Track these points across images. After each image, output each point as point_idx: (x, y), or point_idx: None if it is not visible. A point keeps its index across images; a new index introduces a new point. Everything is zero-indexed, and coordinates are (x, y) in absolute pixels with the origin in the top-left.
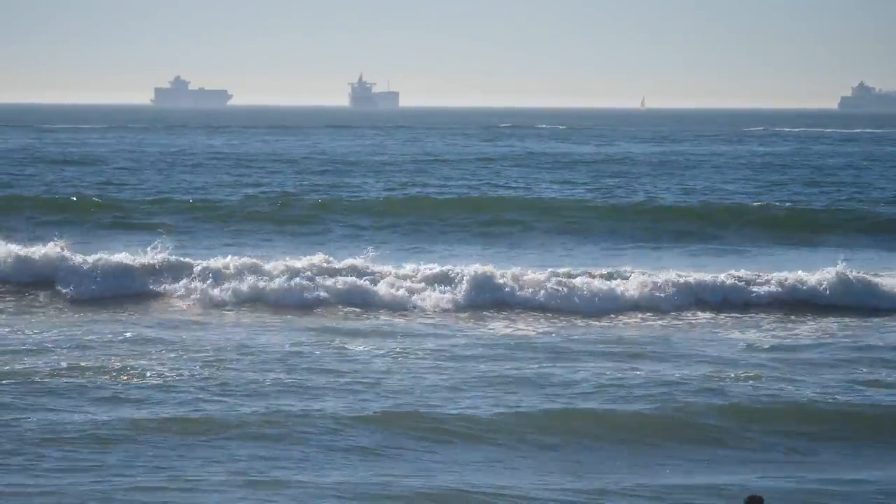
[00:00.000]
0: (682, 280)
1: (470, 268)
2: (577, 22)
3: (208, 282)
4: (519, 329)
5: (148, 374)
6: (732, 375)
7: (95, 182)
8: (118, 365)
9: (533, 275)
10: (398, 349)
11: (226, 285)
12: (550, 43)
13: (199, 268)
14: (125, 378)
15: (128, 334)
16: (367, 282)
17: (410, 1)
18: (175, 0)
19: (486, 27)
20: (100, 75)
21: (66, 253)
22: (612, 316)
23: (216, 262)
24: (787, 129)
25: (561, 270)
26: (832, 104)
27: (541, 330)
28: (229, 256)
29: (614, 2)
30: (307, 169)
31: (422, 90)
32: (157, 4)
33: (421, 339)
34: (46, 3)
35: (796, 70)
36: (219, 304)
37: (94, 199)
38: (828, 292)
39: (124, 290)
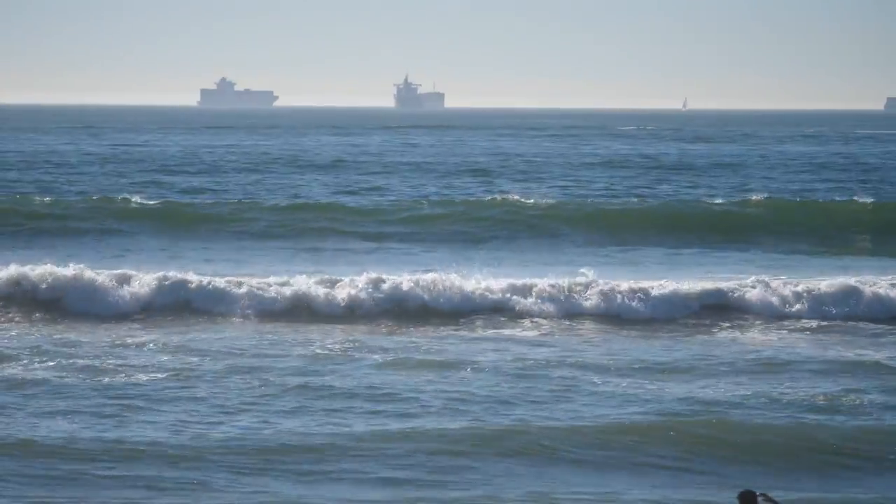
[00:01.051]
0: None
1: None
2: (618, 23)
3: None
4: None
5: None
6: None
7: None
8: None
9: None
10: None
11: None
12: (592, 44)
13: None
14: None
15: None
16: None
17: (457, 2)
18: (222, 2)
19: (529, 30)
20: (146, 77)
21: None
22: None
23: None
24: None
25: None
26: (878, 105)
27: None
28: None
29: (654, 3)
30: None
31: (467, 91)
32: (204, 6)
33: None
34: (91, 6)
35: (840, 71)
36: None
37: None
38: None
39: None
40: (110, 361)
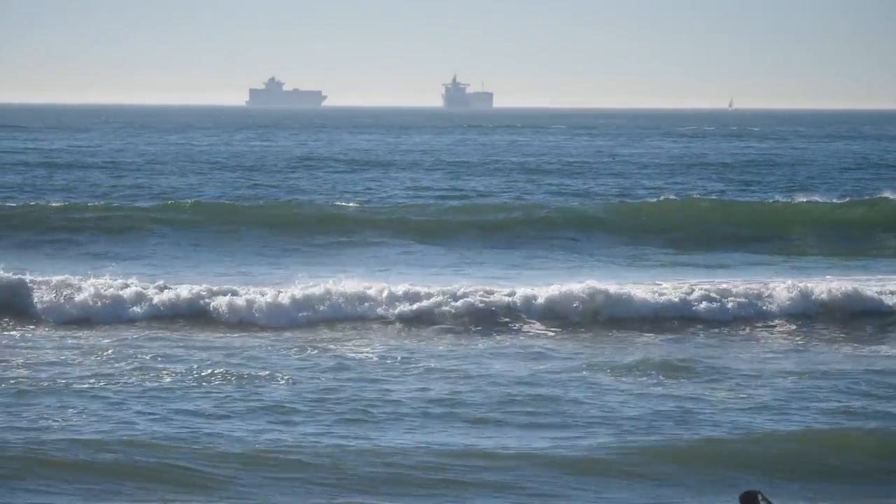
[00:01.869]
0: None
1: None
2: (663, 22)
3: None
4: None
5: None
6: None
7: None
8: None
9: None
10: None
11: None
12: (637, 43)
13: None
14: None
15: None
16: None
17: (505, 1)
18: (270, 2)
19: (576, 29)
20: (195, 77)
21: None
22: None
23: None
24: None
25: None
26: None
27: None
28: None
29: (699, 2)
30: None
31: (516, 91)
32: (253, 6)
33: None
34: (144, 9)
35: (886, 71)
36: None
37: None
38: None
39: None
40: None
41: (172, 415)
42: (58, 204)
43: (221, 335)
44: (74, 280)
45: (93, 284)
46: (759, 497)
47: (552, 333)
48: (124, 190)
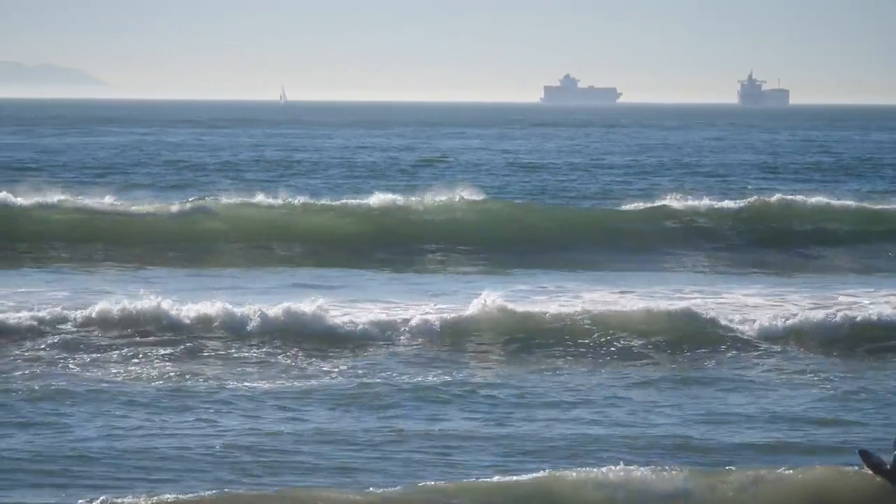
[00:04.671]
0: None
1: None
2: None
3: None
4: None
5: None
6: None
7: None
8: None
9: None
10: None
11: None
12: None
13: None
14: None
15: None
16: None
17: None
18: (565, 0)
19: (882, 24)
20: (491, 75)
21: None
22: None
23: None
24: None
25: None
26: None
27: None
28: None
29: None
30: None
31: (814, 88)
32: (548, 6)
33: None
34: (449, 10)
35: None
36: None
37: None
38: None
39: None
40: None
41: None
42: None
43: None
44: None
45: None
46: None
47: None
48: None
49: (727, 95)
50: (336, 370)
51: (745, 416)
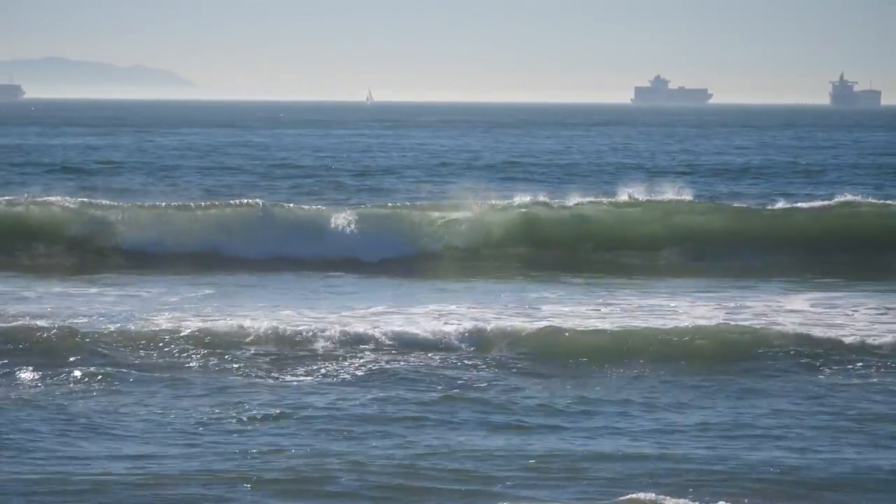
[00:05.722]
0: None
1: None
2: None
3: None
4: None
5: None
6: None
7: None
8: None
9: None
10: None
11: None
12: None
13: None
14: None
15: None
16: None
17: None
18: (655, 2)
19: None
20: (578, 76)
21: None
22: None
23: None
24: None
25: None
26: None
27: None
28: None
29: None
30: None
31: None
32: (639, 6)
33: None
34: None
35: None
36: None
37: None
38: None
39: None
40: None
41: None
42: None
43: None
44: None
45: None
46: None
47: None
48: None
49: (818, 96)
50: None
51: None
